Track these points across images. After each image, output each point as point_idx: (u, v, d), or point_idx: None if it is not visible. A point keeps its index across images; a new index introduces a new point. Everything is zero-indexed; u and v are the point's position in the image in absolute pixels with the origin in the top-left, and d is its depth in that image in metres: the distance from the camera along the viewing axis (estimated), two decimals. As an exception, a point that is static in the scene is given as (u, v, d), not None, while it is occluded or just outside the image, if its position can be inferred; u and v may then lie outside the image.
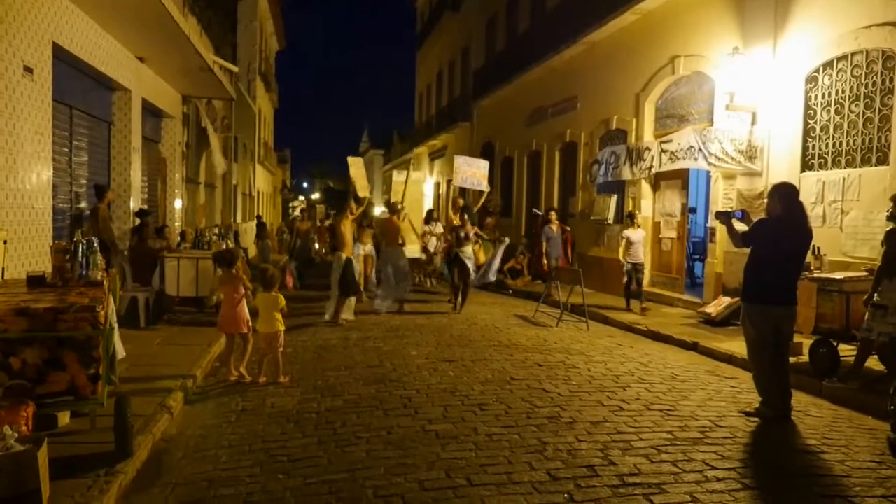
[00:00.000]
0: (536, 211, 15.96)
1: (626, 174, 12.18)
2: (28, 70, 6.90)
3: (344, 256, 9.62)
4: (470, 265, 11.02)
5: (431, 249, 14.07)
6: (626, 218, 11.46)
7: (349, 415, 5.20)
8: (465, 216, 11.67)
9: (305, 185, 70.52)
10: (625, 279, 10.81)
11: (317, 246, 15.99)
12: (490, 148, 20.74)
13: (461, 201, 12.21)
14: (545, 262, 12.86)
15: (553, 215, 13.54)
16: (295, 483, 3.89)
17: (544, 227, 13.35)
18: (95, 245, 5.25)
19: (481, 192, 13.10)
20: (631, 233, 10.76)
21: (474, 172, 12.94)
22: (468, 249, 11.12)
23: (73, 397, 4.22)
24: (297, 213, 24.73)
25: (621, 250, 10.86)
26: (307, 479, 3.93)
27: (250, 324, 6.37)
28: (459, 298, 11.01)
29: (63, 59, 8.11)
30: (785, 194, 5.41)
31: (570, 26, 14.36)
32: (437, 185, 28.87)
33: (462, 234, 11.13)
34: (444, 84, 28.43)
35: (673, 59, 11.36)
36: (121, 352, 5.50)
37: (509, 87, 18.61)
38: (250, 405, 5.49)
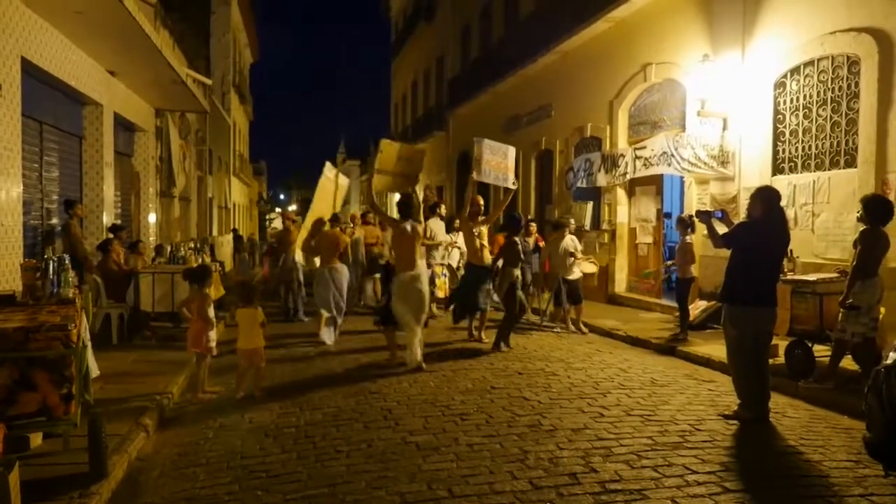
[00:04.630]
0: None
1: (602, 181, 12.29)
2: (-5, 85, 6.79)
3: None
4: (520, 292, 8.60)
5: (454, 265, 11.33)
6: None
7: (329, 428, 5.15)
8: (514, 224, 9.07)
9: (282, 197, 70.17)
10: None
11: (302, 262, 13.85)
12: (466, 157, 20.78)
13: (481, 200, 8.98)
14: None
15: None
16: (274, 500, 3.84)
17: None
18: (67, 262, 5.16)
19: (505, 190, 9.45)
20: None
21: (499, 163, 9.02)
22: (517, 270, 8.60)
23: (45, 418, 4.12)
24: (276, 223, 23.41)
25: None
26: (287, 496, 3.88)
27: (211, 343, 6.24)
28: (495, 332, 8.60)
29: (32, 74, 7.99)
30: (766, 198, 5.50)
31: (543, 35, 14.49)
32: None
33: (527, 248, 8.93)
34: (419, 93, 28.48)
35: (645, 66, 11.51)
36: (94, 370, 5.39)
37: (484, 95, 18.73)
38: (228, 421, 5.41)
